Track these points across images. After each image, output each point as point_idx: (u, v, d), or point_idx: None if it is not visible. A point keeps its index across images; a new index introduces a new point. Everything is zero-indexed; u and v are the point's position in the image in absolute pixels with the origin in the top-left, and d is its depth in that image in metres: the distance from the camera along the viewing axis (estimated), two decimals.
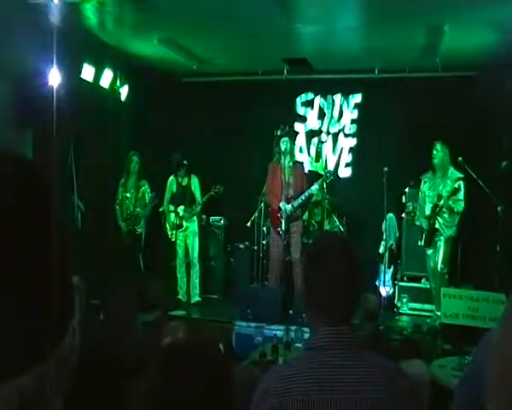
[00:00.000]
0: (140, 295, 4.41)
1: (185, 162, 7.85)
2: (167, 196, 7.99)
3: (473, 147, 7.31)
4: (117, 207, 7.90)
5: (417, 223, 7.03)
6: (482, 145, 7.51)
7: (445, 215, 6.68)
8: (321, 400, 1.58)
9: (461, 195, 6.61)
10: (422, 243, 6.92)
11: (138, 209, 7.77)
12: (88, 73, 7.35)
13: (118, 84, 8.01)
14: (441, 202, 6.63)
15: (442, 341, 5.82)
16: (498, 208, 6.79)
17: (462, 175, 6.68)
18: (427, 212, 6.81)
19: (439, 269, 6.75)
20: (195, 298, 7.93)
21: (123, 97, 8.16)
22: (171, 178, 7.97)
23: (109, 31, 7.07)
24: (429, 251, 6.89)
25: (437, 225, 6.72)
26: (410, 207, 7.89)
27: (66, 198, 6.99)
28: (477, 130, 7.71)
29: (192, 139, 8.87)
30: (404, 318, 7.34)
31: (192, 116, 9.10)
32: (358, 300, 1.78)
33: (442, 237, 6.73)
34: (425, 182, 6.94)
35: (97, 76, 7.53)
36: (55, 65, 6.52)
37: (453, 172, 6.71)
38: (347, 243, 1.80)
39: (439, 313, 6.73)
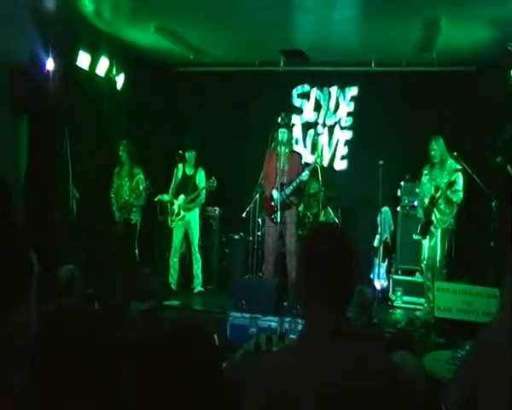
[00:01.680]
0: (135, 284, 4.41)
1: (194, 152, 7.90)
2: (173, 183, 7.97)
3: (468, 141, 7.33)
4: (112, 195, 7.85)
5: (418, 215, 7.01)
6: (477, 140, 7.52)
7: (441, 206, 6.66)
8: (313, 388, 1.59)
9: (459, 186, 6.60)
10: (418, 233, 6.91)
11: (133, 198, 7.73)
12: (84, 60, 7.30)
13: (114, 72, 7.96)
14: (438, 194, 6.62)
15: (435, 334, 5.85)
16: (492, 204, 6.81)
17: (460, 167, 6.66)
18: (426, 203, 6.80)
19: (437, 264, 6.74)
20: (198, 288, 7.91)
21: (119, 86, 8.12)
22: (179, 166, 7.96)
23: (106, 18, 7.01)
24: (424, 242, 6.89)
25: (433, 217, 6.71)
26: (406, 201, 7.90)
27: (62, 186, 6.97)
28: (473, 124, 7.73)
29: (187, 129, 8.84)
30: (398, 311, 7.36)
31: (188, 106, 9.07)
32: (353, 292, 1.78)
33: (438, 230, 6.72)
34: (425, 174, 6.93)
35: (93, 64, 7.48)
36: (51, 52, 6.50)
37: (451, 164, 6.70)
38: (343, 235, 1.79)
39: (426, 305, 6.75)
